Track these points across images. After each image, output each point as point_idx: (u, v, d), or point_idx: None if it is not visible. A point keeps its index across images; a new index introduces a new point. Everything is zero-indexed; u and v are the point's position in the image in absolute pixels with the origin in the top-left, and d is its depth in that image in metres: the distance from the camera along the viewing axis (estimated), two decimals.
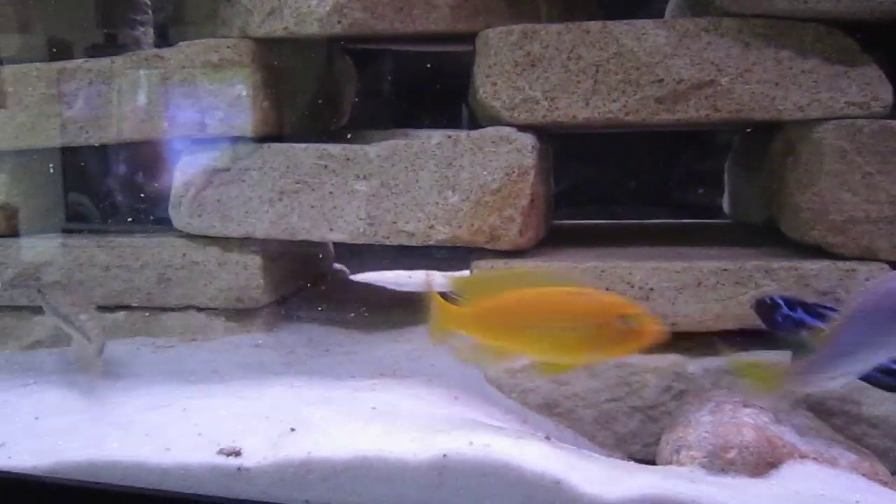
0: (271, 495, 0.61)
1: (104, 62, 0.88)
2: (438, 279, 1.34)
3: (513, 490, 0.58)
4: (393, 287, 1.22)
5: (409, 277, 1.34)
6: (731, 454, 0.67)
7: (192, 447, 0.65)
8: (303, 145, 0.88)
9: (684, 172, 1.34)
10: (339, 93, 1.12)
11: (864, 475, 0.66)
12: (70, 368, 0.85)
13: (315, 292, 1.07)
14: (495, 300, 0.64)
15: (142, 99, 0.87)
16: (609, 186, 1.34)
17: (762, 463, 0.66)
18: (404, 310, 1.01)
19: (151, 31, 1.16)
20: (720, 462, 0.67)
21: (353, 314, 0.99)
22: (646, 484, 0.60)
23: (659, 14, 1.07)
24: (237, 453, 0.65)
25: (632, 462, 0.68)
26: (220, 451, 0.65)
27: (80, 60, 0.89)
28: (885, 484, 0.66)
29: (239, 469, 0.63)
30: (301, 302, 1.01)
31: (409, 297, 1.12)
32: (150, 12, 1.16)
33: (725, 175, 1.09)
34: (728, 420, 0.69)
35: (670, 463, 0.68)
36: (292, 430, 0.68)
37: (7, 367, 0.87)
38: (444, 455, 0.60)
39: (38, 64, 0.89)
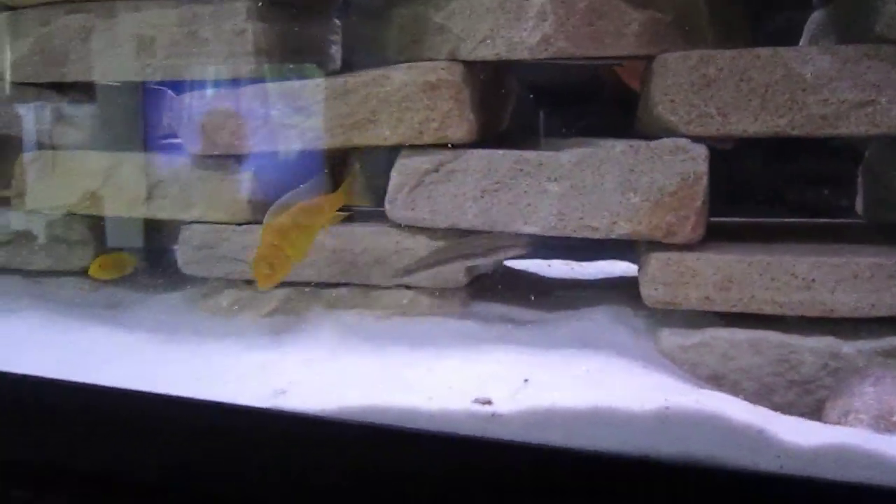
0: (521, 437, 0.76)
1: (339, 81, 1.05)
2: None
3: (724, 436, 0.72)
4: (543, 274, 1.36)
5: (549, 266, 1.48)
6: None
7: (448, 397, 0.81)
8: (501, 151, 1.03)
9: (803, 174, 1.44)
10: (504, 103, 1.26)
11: None
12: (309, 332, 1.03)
13: (487, 277, 1.22)
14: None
15: (369, 112, 1.04)
16: (731, 186, 1.45)
17: None
18: (573, 294, 1.15)
19: (341, 51, 1.33)
20: (886, 424, 0.79)
21: (530, 296, 1.14)
22: (832, 436, 0.73)
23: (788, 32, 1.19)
24: (489, 402, 0.80)
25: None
26: (476, 401, 0.80)
27: (319, 80, 1.05)
28: None
29: (493, 415, 0.78)
30: (482, 285, 1.16)
31: (565, 283, 1.27)
32: (339, 33, 1.33)
33: (860, 178, 1.19)
34: (891, 390, 0.81)
35: (839, 424, 0.81)
36: (525, 383, 0.83)
37: (258, 330, 1.05)
38: (667, 407, 0.74)
39: (282, 83, 1.07)
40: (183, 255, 1.12)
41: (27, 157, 1.16)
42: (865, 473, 0.70)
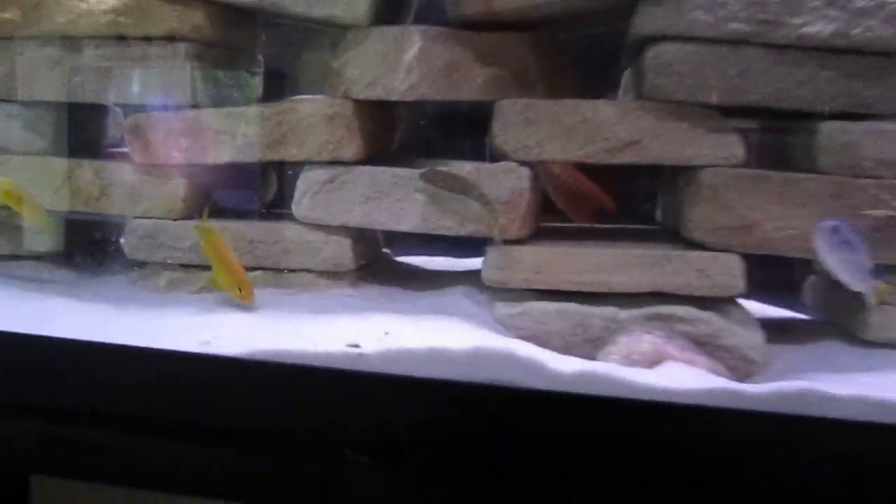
0: (378, 369, 1.07)
1: (257, 109, 1.34)
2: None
3: (515, 367, 1.03)
4: (423, 266, 1.68)
5: (432, 261, 1.80)
6: (636, 356, 1.13)
7: (329, 343, 1.10)
8: (381, 168, 1.33)
9: (639, 193, 1.81)
10: (393, 130, 1.57)
11: (713, 372, 1.13)
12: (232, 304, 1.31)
13: (376, 266, 1.52)
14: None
15: (281, 135, 1.33)
16: None
17: (652, 361, 1.12)
18: (440, 279, 1.47)
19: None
20: (629, 360, 1.13)
21: (406, 280, 1.45)
22: (590, 366, 1.06)
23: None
24: (357, 346, 1.10)
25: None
26: (348, 345, 1.10)
27: (242, 108, 1.34)
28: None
29: (360, 355, 1.08)
30: (370, 272, 1.46)
31: (440, 273, 1.58)
32: (262, 67, 1.61)
33: (659, 196, 1.56)
34: (635, 339, 1.16)
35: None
36: (386, 335, 1.14)
37: (189, 302, 1.32)
38: (477, 347, 1.05)
39: (212, 110, 1.34)
40: (129, 243, 1.38)
41: None
42: (606, 389, 1.03)
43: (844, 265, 1.09)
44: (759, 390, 1.02)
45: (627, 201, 1.84)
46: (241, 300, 1.26)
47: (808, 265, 1.48)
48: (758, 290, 1.55)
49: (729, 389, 1.03)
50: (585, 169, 1.47)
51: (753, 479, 0.94)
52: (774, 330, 1.33)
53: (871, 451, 0.94)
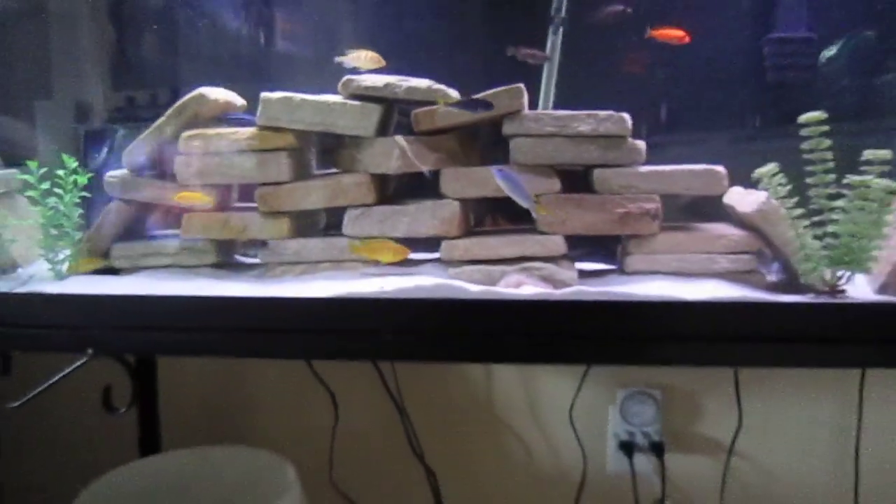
0: (393, 296, 2.30)
1: (323, 181, 2.59)
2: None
3: (455, 291, 2.21)
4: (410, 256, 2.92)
5: (414, 253, 3.05)
6: (510, 285, 2.37)
7: (371, 289, 2.34)
8: (386, 206, 2.54)
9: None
10: (390, 184, 2.83)
11: (547, 289, 2.38)
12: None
13: None
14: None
15: (333, 193, 2.58)
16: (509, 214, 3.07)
17: (517, 286, 2.35)
18: (420, 261, 2.72)
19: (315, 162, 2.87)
20: (507, 286, 2.34)
21: (402, 262, 2.70)
22: (488, 289, 2.29)
23: None
24: (383, 288, 2.34)
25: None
26: (380, 289, 2.33)
27: (315, 181, 2.59)
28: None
29: (385, 291, 2.31)
30: None
31: (420, 259, 2.83)
32: (315, 153, 2.87)
33: None
34: (511, 277, 2.39)
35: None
36: (397, 283, 2.37)
37: (293, 280, 2.56)
38: (438, 284, 2.29)
39: (303, 182, 2.60)
40: (261, 253, 2.61)
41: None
42: (493, 297, 2.28)
43: (515, 192, 2.06)
44: (562, 292, 2.29)
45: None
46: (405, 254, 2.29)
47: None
48: (603, 256, 2.84)
49: (548, 293, 2.29)
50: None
51: (559, 329, 2.21)
52: (590, 274, 2.61)
53: (612, 317, 2.21)
